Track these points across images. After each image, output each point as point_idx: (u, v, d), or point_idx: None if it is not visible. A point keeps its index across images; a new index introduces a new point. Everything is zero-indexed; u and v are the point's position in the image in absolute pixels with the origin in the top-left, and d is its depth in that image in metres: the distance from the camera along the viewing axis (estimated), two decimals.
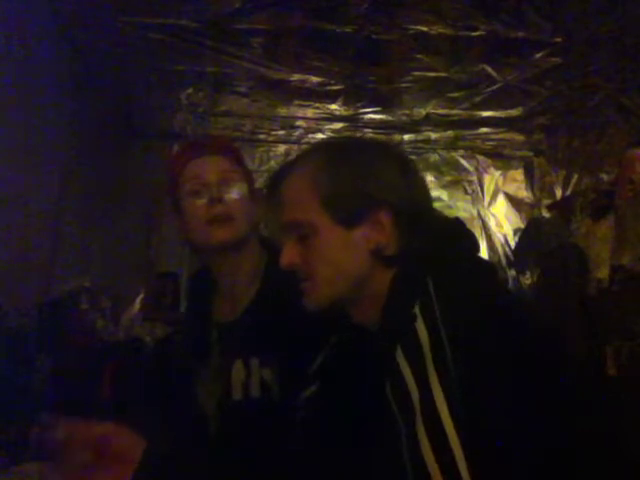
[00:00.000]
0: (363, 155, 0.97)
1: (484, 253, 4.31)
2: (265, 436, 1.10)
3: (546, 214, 3.96)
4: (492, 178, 4.43)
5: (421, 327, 0.80)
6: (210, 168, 1.31)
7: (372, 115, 3.78)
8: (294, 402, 1.05)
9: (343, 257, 0.93)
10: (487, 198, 4.43)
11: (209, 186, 1.29)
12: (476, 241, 0.99)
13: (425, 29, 2.80)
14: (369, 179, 0.93)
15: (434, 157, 4.36)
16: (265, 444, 1.06)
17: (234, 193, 1.30)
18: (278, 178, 1.00)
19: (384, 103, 3.62)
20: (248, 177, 1.37)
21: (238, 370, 1.25)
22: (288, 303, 1.03)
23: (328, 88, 3.42)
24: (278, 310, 1.18)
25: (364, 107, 3.68)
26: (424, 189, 1.00)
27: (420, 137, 4.10)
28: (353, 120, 3.85)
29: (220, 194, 1.28)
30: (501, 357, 0.77)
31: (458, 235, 0.97)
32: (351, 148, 1.00)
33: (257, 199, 1.37)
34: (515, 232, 4.29)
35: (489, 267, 0.99)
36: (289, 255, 0.97)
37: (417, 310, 0.82)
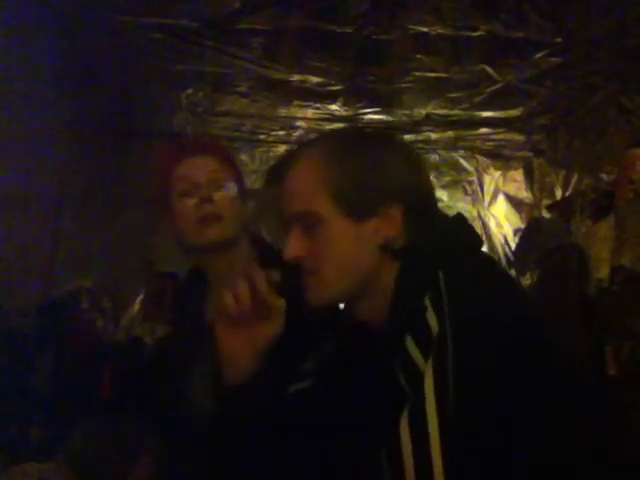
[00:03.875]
0: (370, 147, 0.94)
1: None
2: (260, 438, 1.09)
3: (546, 214, 3.95)
4: (492, 178, 4.42)
5: (432, 318, 0.79)
6: (200, 168, 1.32)
7: (372, 115, 3.77)
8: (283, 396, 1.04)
9: (352, 251, 0.90)
10: (487, 198, 4.42)
11: (199, 186, 1.30)
12: (479, 236, 0.98)
13: (425, 29, 2.79)
14: (379, 172, 0.91)
15: (434, 157, 4.35)
16: (261, 444, 1.04)
17: (224, 193, 1.31)
18: (280, 170, 0.97)
19: (384, 103, 3.61)
20: (237, 176, 1.38)
21: None
22: None
23: (328, 88, 3.41)
24: None
25: (364, 107, 3.67)
26: (429, 182, 0.99)
27: (420, 137, 4.09)
28: (353, 120, 3.84)
29: (210, 194, 1.29)
30: (501, 359, 0.75)
31: (463, 230, 0.96)
32: (357, 140, 0.97)
33: (247, 198, 1.37)
34: (515, 232, 4.28)
35: (493, 263, 0.97)
36: (295, 247, 0.92)
37: (427, 302, 0.81)
